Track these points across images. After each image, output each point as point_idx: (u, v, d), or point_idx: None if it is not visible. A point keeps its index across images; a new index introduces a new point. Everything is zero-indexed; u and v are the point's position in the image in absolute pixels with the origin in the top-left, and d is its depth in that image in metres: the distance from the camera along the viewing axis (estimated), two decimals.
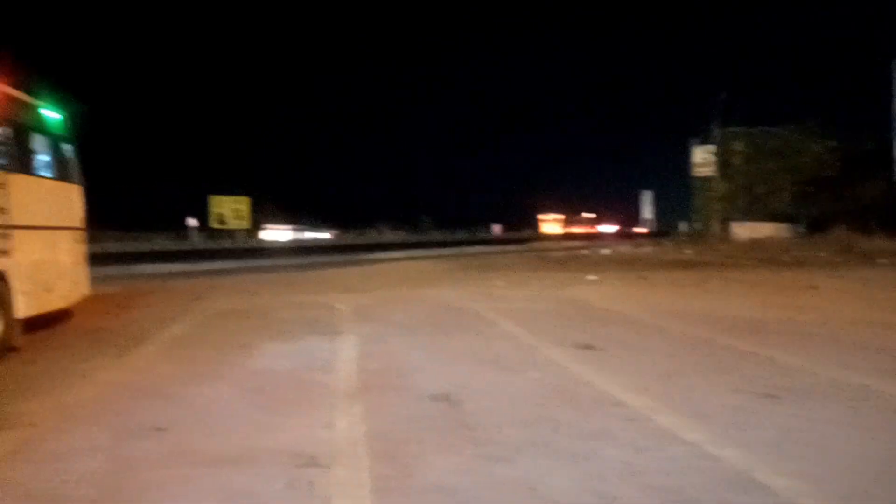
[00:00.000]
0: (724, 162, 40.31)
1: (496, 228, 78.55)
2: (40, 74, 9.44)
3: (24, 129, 8.58)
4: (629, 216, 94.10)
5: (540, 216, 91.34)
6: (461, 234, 51.01)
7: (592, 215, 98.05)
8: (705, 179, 41.53)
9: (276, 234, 54.53)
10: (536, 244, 51.97)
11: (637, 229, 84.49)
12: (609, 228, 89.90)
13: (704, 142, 40.73)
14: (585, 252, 33.30)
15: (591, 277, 17.26)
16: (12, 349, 7.59)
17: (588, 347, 7.50)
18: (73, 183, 9.92)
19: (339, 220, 56.76)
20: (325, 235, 52.06)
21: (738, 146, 40.18)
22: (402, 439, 4.46)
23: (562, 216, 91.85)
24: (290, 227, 56.18)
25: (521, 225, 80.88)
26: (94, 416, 5.18)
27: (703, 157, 40.80)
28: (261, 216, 53.71)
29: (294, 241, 48.12)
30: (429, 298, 12.62)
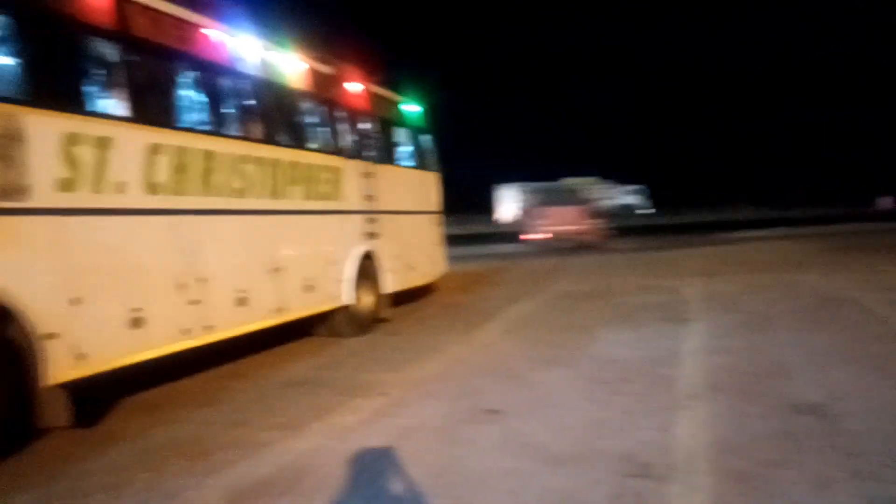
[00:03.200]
0: None
1: (885, 202, 65.00)
2: (400, 68, 10.41)
3: (389, 123, 9.56)
4: None
5: None
6: (836, 210, 43.63)
7: None
8: None
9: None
10: None
11: None
12: None
13: None
14: None
15: None
16: (381, 320, 8.53)
17: None
18: (431, 171, 10.81)
19: (676, 197, 53.09)
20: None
21: None
22: (754, 458, 3.70)
23: None
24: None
25: None
26: (438, 392, 5.43)
27: None
28: None
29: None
30: (795, 284, 10.89)
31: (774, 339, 6.83)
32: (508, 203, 37.10)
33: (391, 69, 9.69)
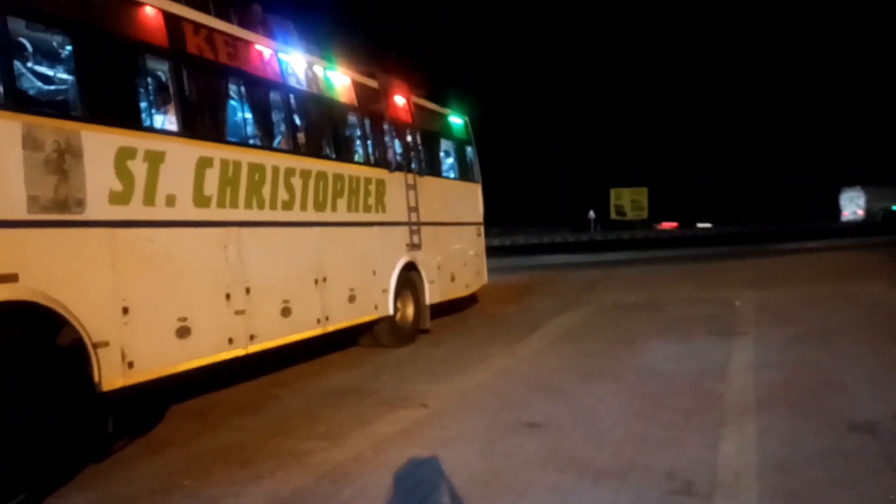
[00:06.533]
0: None
1: None
2: (441, 81, 10.47)
3: (432, 135, 9.62)
4: None
5: None
6: None
7: None
8: None
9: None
10: None
11: None
12: None
13: None
14: None
15: None
16: (423, 331, 8.55)
17: None
18: (474, 182, 10.82)
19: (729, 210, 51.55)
20: (706, 225, 48.03)
21: None
22: (804, 478, 3.56)
23: None
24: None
25: None
26: (479, 404, 5.40)
27: None
28: (658, 207, 52.71)
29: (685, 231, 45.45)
30: (856, 296, 10.48)
31: (831, 351, 6.55)
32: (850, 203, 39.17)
33: (436, 83, 9.77)
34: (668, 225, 48.85)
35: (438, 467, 3.97)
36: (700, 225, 46.98)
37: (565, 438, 4.42)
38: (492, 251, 11.59)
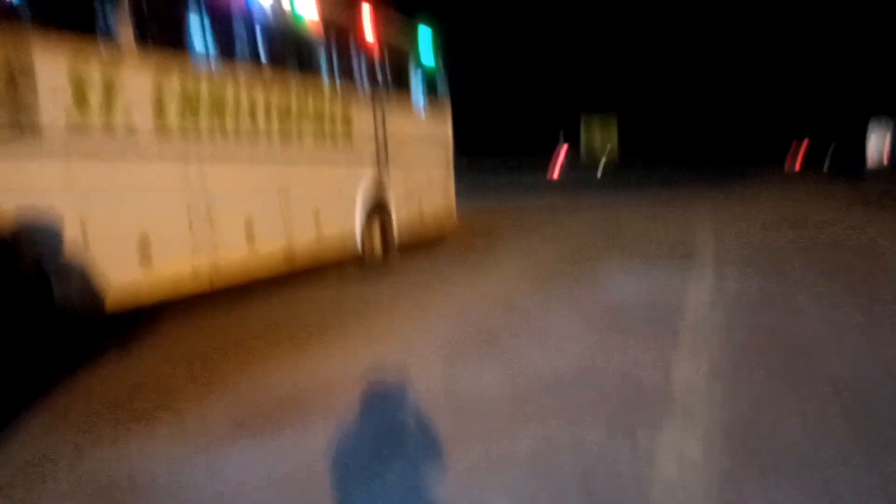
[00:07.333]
0: None
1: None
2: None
3: (399, 52, 9.28)
4: None
5: None
6: None
7: None
8: None
9: None
10: None
11: None
12: None
13: None
14: None
15: None
16: (392, 262, 8.52)
17: None
18: (440, 100, 10.52)
19: None
20: None
21: None
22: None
23: None
24: None
25: None
26: (443, 322, 5.54)
27: None
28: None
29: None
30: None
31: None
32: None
33: None
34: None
35: (402, 376, 4.11)
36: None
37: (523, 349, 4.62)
38: (462, 182, 11.43)
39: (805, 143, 36.37)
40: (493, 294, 6.78)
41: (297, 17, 7.16)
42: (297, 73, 6.96)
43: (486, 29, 42.80)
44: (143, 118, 4.98)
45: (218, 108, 5.76)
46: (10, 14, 4.20)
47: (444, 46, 10.68)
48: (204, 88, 5.61)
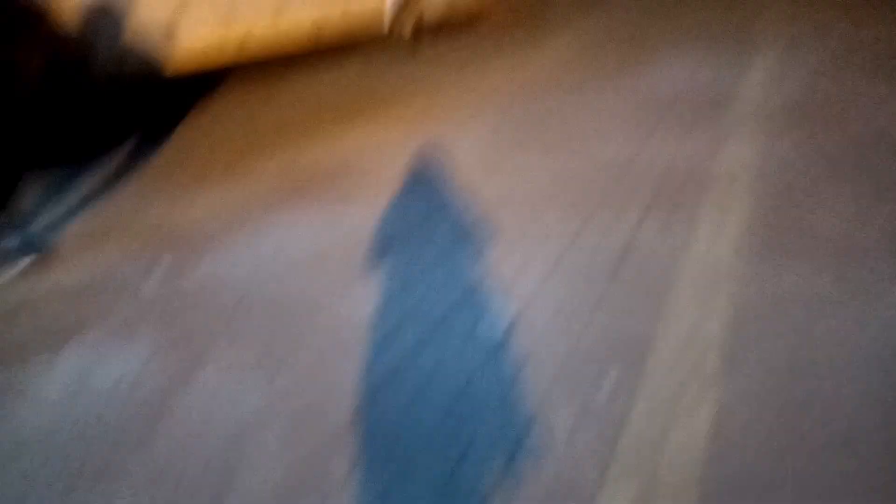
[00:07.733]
0: None
1: None
2: None
3: None
4: None
5: None
6: None
7: None
8: None
9: None
10: None
11: None
12: None
13: None
14: None
15: None
16: (421, 50, 8.04)
17: None
18: None
19: None
20: None
21: None
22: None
23: None
24: None
25: None
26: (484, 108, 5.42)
27: None
28: None
29: None
30: None
31: None
32: None
33: None
34: None
35: (440, 157, 4.08)
36: None
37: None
38: None
39: None
40: (538, 79, 6.45)
41: None
42: None
43: None
44: None
45: None
46: None
47: None
48: None
